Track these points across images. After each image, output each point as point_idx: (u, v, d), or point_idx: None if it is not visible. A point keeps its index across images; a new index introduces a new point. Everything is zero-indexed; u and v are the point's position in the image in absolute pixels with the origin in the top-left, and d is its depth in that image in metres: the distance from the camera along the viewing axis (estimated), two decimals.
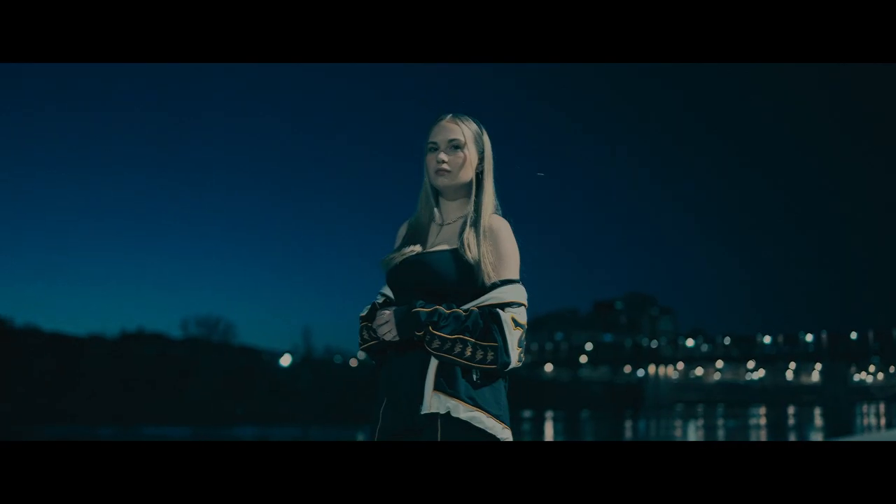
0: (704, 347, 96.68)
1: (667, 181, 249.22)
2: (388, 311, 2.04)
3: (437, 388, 1.98)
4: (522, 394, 70.96)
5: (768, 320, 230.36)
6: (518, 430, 34.28)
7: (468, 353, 1.96)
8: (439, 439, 1.97)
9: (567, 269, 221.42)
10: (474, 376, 1.99)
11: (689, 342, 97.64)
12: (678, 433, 33.50)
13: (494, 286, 2.03)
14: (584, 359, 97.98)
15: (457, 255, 2.05)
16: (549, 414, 57.48)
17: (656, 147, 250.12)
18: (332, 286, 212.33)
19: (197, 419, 39.73)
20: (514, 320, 2.00)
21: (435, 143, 2.14)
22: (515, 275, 2.07)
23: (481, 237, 2.07)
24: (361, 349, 2.15)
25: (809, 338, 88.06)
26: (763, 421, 46.94)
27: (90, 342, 53.96)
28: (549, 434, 32.95)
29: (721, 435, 31.91)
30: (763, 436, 31.21)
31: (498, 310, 2.00)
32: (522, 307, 2.04)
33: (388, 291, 2.18)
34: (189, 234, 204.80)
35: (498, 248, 2.07)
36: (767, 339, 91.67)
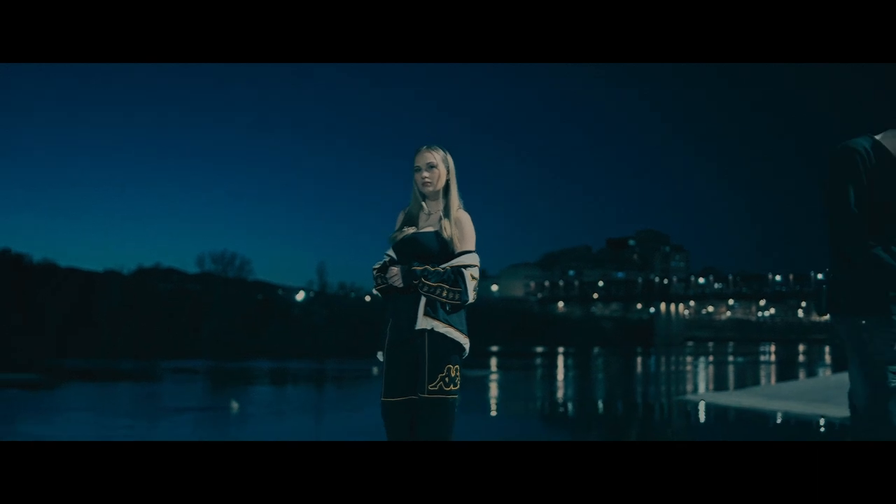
0: (716, 285, 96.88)
1: (680, 120, 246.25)
2: (395, 268, 3.25)
3: (426, 314, 3.23)
4: (534, 330, 71.58)
5: (779, 259, 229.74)
6: (531, 365, 34.83)
7: (444, 294, 3.22)
8: (427, 345, 3.21)
9: (580, 206, 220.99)
10: (447, 308, 3.24)
11: (701, 280, 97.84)
12: (689, 369, 33.88)
13: (460, 254, 3.30)
14: (595, 295, 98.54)
15: (437, 234, 3.31)
16: (560, 349, 58.06)
17: (670, 86, 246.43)
18: (347, 224, 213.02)
19: (213, 353, 40.41)
20: (471, 275, 3.26)
21: (419, 166, 3.38)
22: (472, 247, 3.33)
23: (452, 224, 3.33)
24: (375, 290, 3.37)
25: (820, 276, 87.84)
26: (773, 358, 47.34)
27: (107, 277, 54.61)
28: (560, 368, 33.38)
29: (731, 370, 32.28)
30: (773, 372, 31.55)
31: (462, 269, 3.26)
32: (476, 267, 3.30)
33: (392, 253, 3.39)
34: (205, 171, 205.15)
35: (462, 231, 3.33)
36: (778, 278, 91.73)
